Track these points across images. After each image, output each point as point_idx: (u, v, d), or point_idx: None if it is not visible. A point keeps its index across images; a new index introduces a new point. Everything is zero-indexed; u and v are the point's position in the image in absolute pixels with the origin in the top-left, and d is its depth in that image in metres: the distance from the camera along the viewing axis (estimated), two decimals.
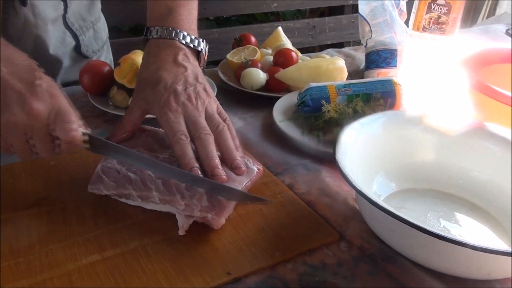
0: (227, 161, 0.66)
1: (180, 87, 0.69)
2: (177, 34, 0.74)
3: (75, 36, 1.06)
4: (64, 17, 1.03)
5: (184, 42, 0.74)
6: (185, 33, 0.75)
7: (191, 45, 0.75)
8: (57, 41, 1.03)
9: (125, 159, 0.65)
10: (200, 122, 0.67)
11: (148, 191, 0.62)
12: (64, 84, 1.07)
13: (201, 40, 0.77)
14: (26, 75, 0.59)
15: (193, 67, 0.73)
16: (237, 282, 0.55)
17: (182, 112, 0.68)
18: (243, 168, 0.66)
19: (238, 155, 0.67)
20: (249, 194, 0.64)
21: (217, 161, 0.64)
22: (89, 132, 0.63)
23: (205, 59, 0.79)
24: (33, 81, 0.59)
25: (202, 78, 0.74)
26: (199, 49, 0.77)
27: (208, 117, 0.69)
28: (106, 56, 1.21)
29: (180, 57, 0.73)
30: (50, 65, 1.04)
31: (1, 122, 0.58)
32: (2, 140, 0.60)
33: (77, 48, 1.08)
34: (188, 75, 0.72)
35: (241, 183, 0.65)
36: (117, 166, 0.65)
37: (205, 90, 0.72)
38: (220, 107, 0.73)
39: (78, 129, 0.61)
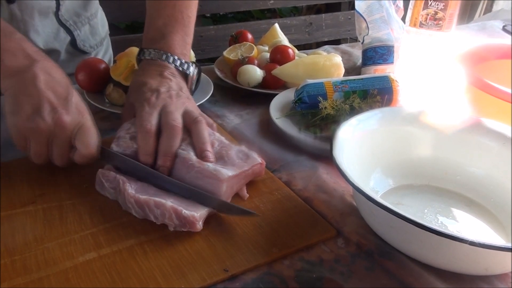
0: (197, 150, 0.67)
1: (163, 89, 0.73)
2: (167, 58, 0.79)
3: (69, 32, 1.07)
4: (57, 14, 1.03)
5: (173, 65, 0.79)
6: (176, 57, 0.79)
7: (180, 68, 0.80)
8: (49, 36, 1.03)
9: (129, 168, 0.67)
10: (173, 112, 0.69)
11: (130, 210, 0.63)
12: None
13: (190, 64, 0.82)
14: (60, 89, 0.66)
15: (178, 81, 0.77)
16: (234, 279, 0.55)
17: (159, 107, 0.70)
18: (211, 159, 0.66)
19: (211, 148, 0.68)
20: (229, 203, 0.63)
21: (168, 158, 0.66)
22: (100, 145, 0.69)
23: (193, 81, 0.84)
24: (66, 96, 0.66)
25: (186, 91, 0.78)
26: (187, 73, 0.81)
27: (186, 113, 0.71)
28: (106, 51, 1.22)
29: (166, 73, 0.77)
30: None
31: (30, 125, 0.63)
32: (22, 139, 0.65)
33: (73, 43, 1.08)
34: (173, 84, 0.76)
35: (241, 168, 0.66)
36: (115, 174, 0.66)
37: (188, 98, 0.76)
38: (204, 115, 0.74)
39: (96, 144, 0.67)
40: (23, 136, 0.65)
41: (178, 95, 0.74)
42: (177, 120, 0.69)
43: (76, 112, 0.66)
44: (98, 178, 0.66)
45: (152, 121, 0.68)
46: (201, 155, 0.66)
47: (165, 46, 0.80)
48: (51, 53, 1.05)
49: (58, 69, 0.69)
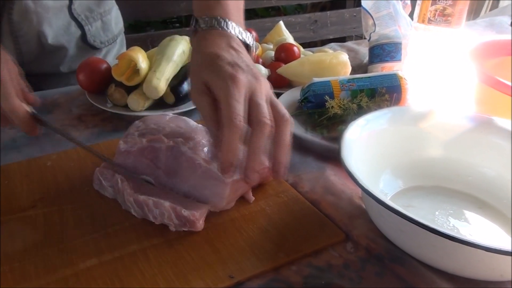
0: (274, 158, 0.58)
1: (243, 64, 0.60)
2: (227, 25, 0.66)
3: (80, 26, 1.07)
4: (70, 7, 1.04)
5: (233, 32, 0.66)
6: (235, 24, 0.67)
7: (240, 37, 0.67)
8: (59, 29, 1.04)
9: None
10: (263, 105, 0.58)
11: (129, 209, 0.62)
12: (71, 72, 1.09)
13: (249, 34, 0.70)
14: None
15: (248, 57, 0.65)
16: (240, 285, 0.53)
17: (246, 90, 0.58)
18: (283, 175, 0.58)
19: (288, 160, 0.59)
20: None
21: (264, 162, 0.59)
22: (33, 111, 0.69)
23: (254, 56, 0.70)
24: None
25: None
26: (248, 43, 0.68)
27: (273, 105, 0.60)
28: (118, 50, 1.22)
29: (234, 44, 0.64)
30: (53, 52, 1.06)
31: None
32: None
33: (83, 37, 1.09)
34: (247, 60, 0.63)
35: None
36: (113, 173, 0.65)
37: (266, 79, 0.64)
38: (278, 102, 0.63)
39: (16, 98, 0.65)
40: None
41: (258, 78, 0.61)
42: (268, 116, 0.57)
43: None
44: (96, 176, 0.66)
45: (242, 112, 0.56)
46: (274, 169, 0.57)
47: (222, 13, 0.68)
48: (60, 47, 1.06)
49: None
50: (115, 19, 1.18)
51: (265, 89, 0.60)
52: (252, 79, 0.59)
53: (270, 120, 0.57)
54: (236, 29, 0.67)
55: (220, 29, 0.65)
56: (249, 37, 0.68)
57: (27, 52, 1.01)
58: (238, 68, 0.59)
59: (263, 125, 0.56)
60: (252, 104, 0.58)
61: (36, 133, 0.68)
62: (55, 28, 1.03)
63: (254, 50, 0.70)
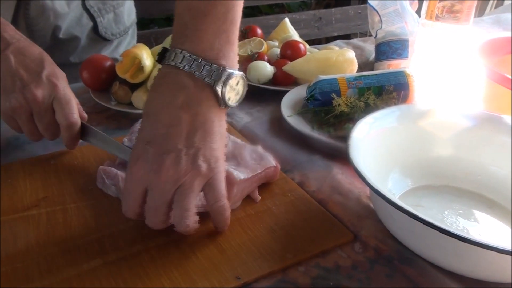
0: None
1: (154, 147, 0.53)
2: (181, 62, 0.54)
3: (92, 18, 1.07)
4: (83, 0, 1.04)
5: (198, 74, 0.54)
6: (194, 62, 0.54)
7: (208, 80, 0.54)
8: (72, 21, 1.03)
9: (108, 149, 0.68)
10: (190, 207, 0.53)
11: None
12: (81, 63, 1.08)
13: (224, 69, 0.55)
14: (33, 65, 0.66)
15: (193, 118, 0.53)
16: (247, 287, 0.52)
17: (145, 183, 0.53)
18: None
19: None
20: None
21: None
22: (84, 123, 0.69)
23: (226, 99, 0.56)
24: (38, 71, 0.66)
25: (204, 137, 0.54)
26: (212, 85, 0.54)
27: (210, 192, 0.54)
28: (129, 42, 1.21)
29: (184, 100, 0.54)
30: (65, 43, 1.05)
31: (7, 105, 0.65)
32: (11, 120, 0.67)
33: (95, 29, 1.08)
34: (179, 133, 0.53)
35: (254, 171, 0.63)
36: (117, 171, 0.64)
37: (194, 159, 0.52)
38: (218, 187, 0.54)
39: (76, 114, 0.67)
40: (10, 118, 0.67)
41: (176, 162, 0.52)
42: (194, 220, 0.54)
43: (48, 84, 0.66)
44: (99, 174, 0.65)
45: (131, 206, 0.55)
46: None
47: (186, 42, 0.55)
48: (72, 39, 1.05)
49: (33, 47, 0.69)
50: (128, 11, 1.16)
51: (171, 179, 0.51)
52: (152, 173, 0.52)
53: (194, 224, 0.54)
54: (196, 70, 0.54)
55: (180, 71, 0.54)
56: (220, 78, 0.54)
57: (40, 45, 1.01)
58: (145, 151, 0.53)
59: (184, 228, 0.53)
60: (176, 201, 0.53)
61: (75, 148, 0.71)
62: (68, 20, 1.03)
63: (230, 92, 0.56)
